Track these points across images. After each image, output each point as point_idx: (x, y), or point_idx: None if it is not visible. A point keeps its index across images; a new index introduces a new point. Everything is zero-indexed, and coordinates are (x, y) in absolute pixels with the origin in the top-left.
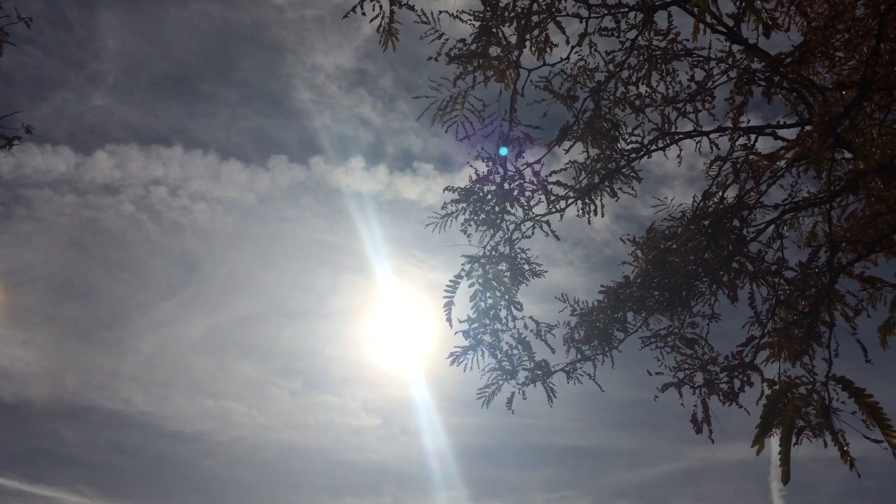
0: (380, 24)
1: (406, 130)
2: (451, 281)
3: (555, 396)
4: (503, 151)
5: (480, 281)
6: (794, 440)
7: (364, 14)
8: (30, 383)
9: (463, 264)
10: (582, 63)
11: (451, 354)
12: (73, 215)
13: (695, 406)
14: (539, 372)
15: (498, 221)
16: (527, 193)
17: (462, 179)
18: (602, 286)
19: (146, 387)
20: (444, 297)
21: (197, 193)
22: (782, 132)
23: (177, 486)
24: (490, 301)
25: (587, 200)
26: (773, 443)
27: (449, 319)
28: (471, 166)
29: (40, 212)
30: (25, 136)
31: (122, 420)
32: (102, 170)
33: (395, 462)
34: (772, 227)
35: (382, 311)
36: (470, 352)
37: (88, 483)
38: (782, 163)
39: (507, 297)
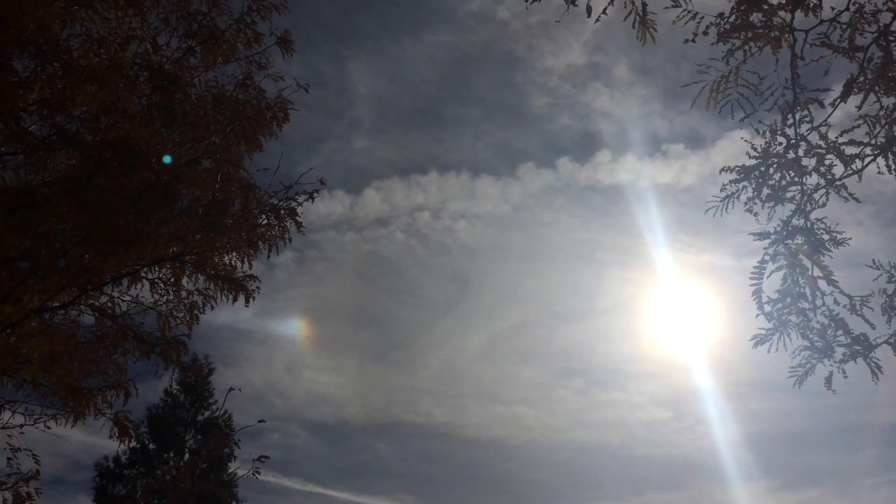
0: (634, 20)
1: (649, 115)
2: (755, 267)
3: (881, 373)
4: None
5: (782, 261)
6: None
7: (593, 18)
8: (345, 405)
9: (765, 248)
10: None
11: (755, 337)
12: (354, 250)
13: None
14: (858, 347)
15: (787, 195)
16: (815, 160)
17: (717, 153)
18: None
19: (441, 399)
20: (752, 284)
21: (456, 213)
22: None
23: (483, 490)
24: (793, 279)
25: (892, 153)
26: None
27: (760, 307)
28: (745, 141)
29: (328, 251)
30: (319, 187)
31: (425, 431)
32: (372, 205)
33: (695, 454)
34: None
35: (655, 301)
36: (775, 334)
37: (405, 491)
38: None
39: (821, 272)
